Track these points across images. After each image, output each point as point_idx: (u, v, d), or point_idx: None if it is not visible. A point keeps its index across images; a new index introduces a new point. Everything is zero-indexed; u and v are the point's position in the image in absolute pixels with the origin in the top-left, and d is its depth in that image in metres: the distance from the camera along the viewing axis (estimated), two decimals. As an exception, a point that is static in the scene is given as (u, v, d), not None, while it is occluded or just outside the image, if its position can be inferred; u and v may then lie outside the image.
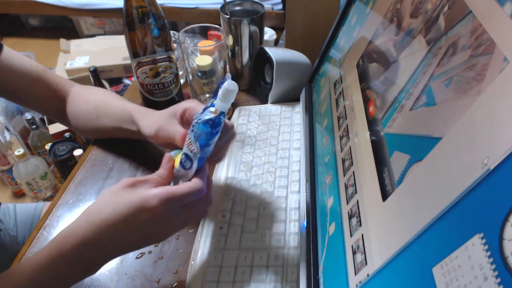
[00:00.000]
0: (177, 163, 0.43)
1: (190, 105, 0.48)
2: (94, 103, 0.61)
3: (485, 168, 0.22)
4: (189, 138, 0.41)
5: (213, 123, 0.39)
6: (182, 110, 0.48)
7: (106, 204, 0.39)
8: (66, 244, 0.38)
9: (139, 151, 0.65)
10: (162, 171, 0.43)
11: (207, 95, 0.71)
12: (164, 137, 0.50)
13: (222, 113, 0.40)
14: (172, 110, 0.50)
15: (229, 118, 0.72)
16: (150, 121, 0.52)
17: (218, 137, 0.41)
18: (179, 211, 0.40)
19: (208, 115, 0.40)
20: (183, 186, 0.40)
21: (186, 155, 0.42)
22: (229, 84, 0.39)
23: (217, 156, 0.48)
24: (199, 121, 0.40)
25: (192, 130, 0.40)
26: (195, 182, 0.40)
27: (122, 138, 0.63)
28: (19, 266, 0.39)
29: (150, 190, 0.39)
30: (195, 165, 0.41)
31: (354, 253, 0.35)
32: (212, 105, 0.41)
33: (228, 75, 0.42)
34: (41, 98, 0.62)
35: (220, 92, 0.39)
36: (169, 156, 0.44)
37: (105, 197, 0.40)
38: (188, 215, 0.41)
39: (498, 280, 0.19)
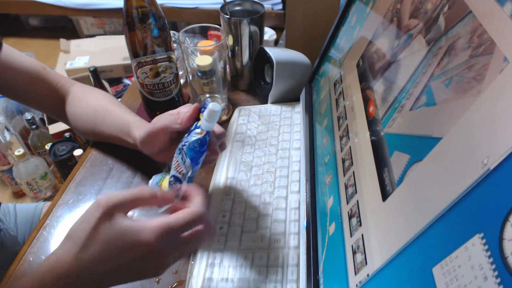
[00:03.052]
0: (165, 186, 0.44)
1: (184, 109, 0.47)
2: (94, 108, 0.61)
3: (485, 168, 0.22)
4: (177, 161, 0.44)
5: (201, 143, 0.42)
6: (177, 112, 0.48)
7: (92, 239, 0.34)
8: (45, 280, 0.34)
9: (139, 151, 0.65)
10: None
11: (207, 95, 0.71)
12: (161, 127, 0.47)
13: (207, 132, 0.42)
14: (169, 117, 0.48)
15: (229, 118, 0.72)
16: (144, 126, 0.51)
17: (205, 155, 0.43)
18: (177, 244, 0.36)
19: (195, 136, 0.42)
20: (182, 214, 0.35)
21: (174, 176, 0.43)
22: (213, 105, 0.41)
23: (205, 164, 0.48)
24: (187, 143, 0.42)
25: (180, 153, 0.43)
26: (194, 209, 0.36)
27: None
28: None
29: (144, 223, 0.34)
30: (184, 185, 0.43)
31: (354, 253, 0.35)
32: (197, 127, 0.43)
33: (208, 99, 0.44)
34: (40, 96, 0.62)
35: (205, 113, 0.42)
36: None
37: (89, 226, 0.34)
38: (186, 249, 0.37)
39: (498, 280, 0.19)
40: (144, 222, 0.34)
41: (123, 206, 0.35)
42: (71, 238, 0.35)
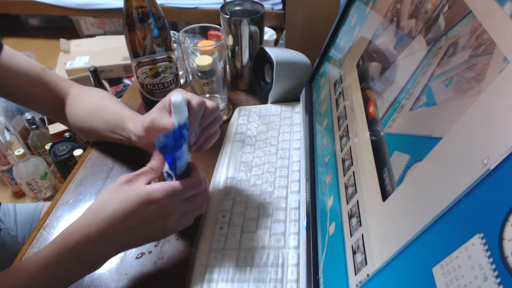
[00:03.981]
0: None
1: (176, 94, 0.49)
2: (91, 107, 0.61)
3: (485, 168, 0.22)
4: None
5: (173, 137, 0.41)
6: (168, 103, 0.48)
7: (110, 200, 0.41)
8: (70, 241, 0.39)
9: (139, 151, 0.65)
10: (154, 162, 0.45)
11: (207, 95, 0.71)
12: (157, 131, 0.48)
13: (180, 126, 0.41)
14: (160, 104, 0.49)
15: (229, 119, 0.72)
16: (139, 121, 0.51)
17: (185, 147, 0.42)
18: (180, 204, 0.42)
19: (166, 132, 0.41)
20: (184, 181, 0.42)
21: (167, 172, 0.44)
22: (174, 97, 0.41)
23: (208, 140, 0.50)
24: (158, 137, 0.41)
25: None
26: (193, 178, 0.43)
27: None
28: (24, 262, 0.40)
29: (153, 185, 0.41)
30: (173, 176, 0.44)
31: (354, 253, 0.35)
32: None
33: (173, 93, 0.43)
34: (40, 98, 0.62)
35: (171, 107, 0.42)
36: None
37: (107, 194, 0.42)
38: (188, 209, 0.44)
39: (498, 280, 0.19)
40: (153, 184, 0.41)
41: (141, 175, 0.43)
42: (92, 205, 0.42)
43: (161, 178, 0.46)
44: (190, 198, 0.43)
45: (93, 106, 0.61)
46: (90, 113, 0.61)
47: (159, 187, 0.40)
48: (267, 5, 1.85)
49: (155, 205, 0.40)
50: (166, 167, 0.45)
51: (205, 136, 0.49)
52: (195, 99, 0.45)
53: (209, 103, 0.48)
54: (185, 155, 0.42)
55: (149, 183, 0.43)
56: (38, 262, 0.39)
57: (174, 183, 0.41)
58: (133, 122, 0.53)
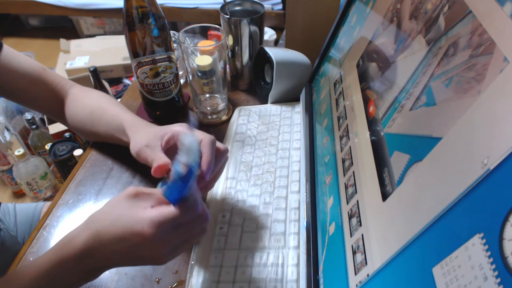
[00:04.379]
0: None
1: (178, 130, 0.48)
2: (90, 108, 0.61)
3: (485, 168, 0.22)
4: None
5: (184, 178, 0.37)
6: (169, 136, 0.48)
7: (108, 213, 0.39)
8: (66, 251, 0.38)
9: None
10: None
11: (207, 95, 0.71)
12: (142, 160, 0.49)
13: (192, 166, 0.37)
14: (161, 132, 0.49)
15: (229, 118, 0.72)
16: (136, 140, 0.51)
17: (194, 182, 0.38)
18: (174, 234, 0.38)
19: (178, 170, 0.37)
20: (176, 208, 0.37)
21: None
22: (188, 141, 0.37)
23: (210, 183, 0.49)
24: (169, 182, 0.38)
25: (165, 183, 0.39)
26: (188, 201, 0.38)
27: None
28: (18, 271, 0.39)
29: (145, 212, 0.37)
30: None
31: (354, 253, 0.35)
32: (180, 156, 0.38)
33: (193, 117, 0.39)
34: (40, 98, 0.62)
35: (182, 149, 0.37)
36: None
37: (109, 205, 0.40)
38: (185, 237, 0.39)
39: (498, 280, 0.19)
40: (142, 213, 0.37)
41: (149, 195, 0.39)
42: (93, 213, 0.40)
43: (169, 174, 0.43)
44: (186, 225, 0.39)
45: (92, 108, 0.61)
46: (89, 115, 0.61)
47: (149, 217, 0.36)
48: (267, 5, 1.85)
49: (141, 237, 0.36)
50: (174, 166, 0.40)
51: (212, 176, 0.48)
52: (206, 138, 0.45)
53: (221, 145, 0.47)
54: (193, 188, 0.39)
55: (157, 205, 0.39)
56: (33, 271, 0.38)
57: (165, 211, 0.37)
58: (131, 131, 0.53)
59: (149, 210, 0.37)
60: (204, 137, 0.45)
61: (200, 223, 0.40)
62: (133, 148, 0.51)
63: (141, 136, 0.51)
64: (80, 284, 0.41)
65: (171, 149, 0.48)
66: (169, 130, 0.48)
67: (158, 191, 0.40)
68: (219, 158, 0.47)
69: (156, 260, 0.39)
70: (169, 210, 0.37)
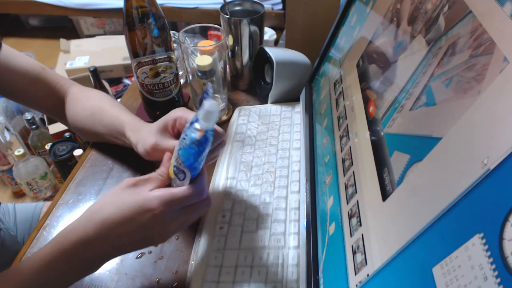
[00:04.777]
0: (172, 173, 0.43)
1: (178, 114, 0.48)
2: (90, 109, 0.61)
3: (485, 168, 0.22)
4: (177, 152, 0.40)
5: (199, 143, 0.38)
6: (173, 121, 0.48)
7: (108, 203, 0.40)
8: (67, 242, 0.39)
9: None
10: (163, 169, 0.43)
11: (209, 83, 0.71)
12: (156, 157, 0.49)
13: (207, 131, 0.38)
14: (162, 123, 0.49)
15: (229, 118, 0.72)
16: (143, 139, 0.51)
17: (208, 150, 0.40)
18: (179, 213, 0.40)
19: (194, 134, 0.38)
20: (184, 189, 0.40)
21: (176, 167, 0.41)
22: (210, 106, 0.37)
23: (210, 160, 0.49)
24: (185, 142, 0.38)
25: (180, 148, 0.39)
26: (196, 186, 0.41)
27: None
28: (20, 264, 0.40)
29: (153, 192, 0.39)
30: (188, 176, 0.41)
31: (354, 253, 0.35)
32: (197, 121, 0.39)
33: (209, 85, 0.40)
34: (40, 97, 0.62)
35: (201, 112, 0.38)
36: (169, 155, 0.44)
37: (108, 196, 0.41)
38: (187, 217, 0.42)
39: (498, 280, 0.19)
40: (155, 191, 0.39)
41: (147, 180, 0.41)
42: (91, 206, 0.41)
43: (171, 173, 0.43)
44: (191, 206, 0.41)
45: (92, 108, 0.61)
46: (89, 115, 0.61)
47: (159, 195, 0.39)
48: (267, 5, 1.85)
49: (152, 214, 0.38)
50: (174, 161, 0.41)
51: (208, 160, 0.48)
52: (216, 127, 0.45)
53: (217, 128, 0.47)
54: (205, 157, 0.40)
55: (156, 188, 0.41)
56: (35, 263, 0.39)
57: (175, 191, 0.40)
58: (133, 133, 0.53)
59: (156, 190, 0.40)
60: None
61: (204, 207, 0.43)
62: (143, 148, 0.50)
63: (146, 135, 0.51)
64: (81, 276, 0.41)
65: (177, 137, 0.49)
66: (170, 117, 0.49)
67: (154, 174, 0.42)
68: (216, 139, 0.47)
69: (161, 238, 0.42)
70: (180, 190, 0.40)
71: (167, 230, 0.41)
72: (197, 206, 0.42)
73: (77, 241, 0.38)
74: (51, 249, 0.39)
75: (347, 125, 0.46)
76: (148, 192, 0.39)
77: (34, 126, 1.44)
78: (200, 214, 0.44)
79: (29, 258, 0.40)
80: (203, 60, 0.64)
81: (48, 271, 0.38)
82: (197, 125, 0.38)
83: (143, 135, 0.51)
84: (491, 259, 0.19)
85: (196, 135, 0.38)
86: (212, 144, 0.44)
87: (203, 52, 0.64)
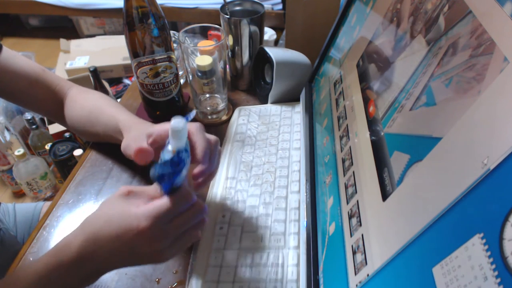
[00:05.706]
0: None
1: (166, 128, 0.44)
2: (88, 109, 0.61)
3: (485, 168, 0.22)
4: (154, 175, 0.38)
5: (173, 163, 0.36)
6: (157, 134, 0.45)
7: (100, 216, 0.38)
8: (63, 256, 0.38)
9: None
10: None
11: (207, 95, 0.71)
12: (128, 155, 0.48)
13: (179, 151, 0.37)
14: (149, 129, 0.46)
15: (229, 118, 0.72)
16: (126, 138, 0.50)
17: (185, 171, 0.38)
18: (170, 227, 0.37)
19: (167, 155, 0.37)
20: (166, 198, 0.37)
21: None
22: (174, 123, 0.36)
23: (211, 174, 0.47)
24: (159, 164, 0.37)
25: (156, 171, 0.37)
26: (181, 191, 0.38)
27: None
28: (16, 275, 0.39)
29: (139, 208, 0.37)
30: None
31: (354, 253, 0.35)
32: (169, 141, 0.38)
33: (193, 112, 0.39)
34: (39, 99, 0.62)
35: (169, 131, 0.37)
36: None
37: (102, 206, 0.39)
38: (182, 229, 0.39)
39: (498, 280, 0.19)
40: (136, 209, 0.37)
41: (143, 192, 0.39)
42: (88, 216, 0.39)
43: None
44: (182, 216, 0.38)
45: (90, 108, 0.61)
46: (87, 116, 0.61)
47: (142, 211, 0.36)
48: (267, 5, 1.85)
49: (136, 231, 0.36)
50: (165, 155, 0.39)
51: (207, 174, 0.46)
52: (192, 127, 0.43)
53: (210, 136, 0.45)
54: (183, 177, 0.38)
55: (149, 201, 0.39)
56: (30, 275, 0.38)
57: (157, 203, 0.37)
58: (126, 131, 0.53)
59: (142, 206, 0.37)
60: (190, 126, 0.43)
61: (196, 214, 0.39)
62: (122, 145, 0.51)
63: (131, 134, 0.50)
64: (81, 287, 0.40)
65: (160, 149, 0.45)
66: (158, 128, 0.46)
67: (151, 188, 0.39)
68: (213, 151, 0.45)
69: (155, 257, 0.38)
70: (162, 201, 0.37)
71: (157, 247, 0.37)
72: (189, 215, 0.38)
73: (72, 254, 0.37)
74: (47, 261, 0.38)
75: (347, 125, 0.46)
76: (134, 209, 0.37)
77: (34, 126, 1.44)
78: (196, 224, 0.40)
79: (25, 269, 0.39)
80: (203, 60, 0.64)
81: (44, 284, 0.38)
82: (169, 146, 0.37)
83: (130, 134, 0.51)
84: (491, 259, 0.19)
85: (168, 156, 0.36)
86: (214, 155, 0.43)
87: (203, 52, 0.64)
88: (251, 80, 0.78)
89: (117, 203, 0.38)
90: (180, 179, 0.37)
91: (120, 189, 0.39)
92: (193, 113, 0.39)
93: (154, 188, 0.39)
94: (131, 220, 0.36)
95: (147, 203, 0.37)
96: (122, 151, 0.51)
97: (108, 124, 0.58)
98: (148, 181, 0.61)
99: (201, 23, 0.69)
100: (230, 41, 0.72)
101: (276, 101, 0.73)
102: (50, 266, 0.38)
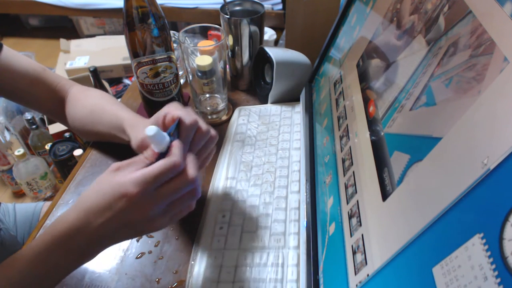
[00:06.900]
0: None
1: (167, 110, 0.47)
2: (90, 108, 0.61)
3: (485, 168, 0.22)
4: None
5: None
6: (163, 118, 0.46)
7: (92, 191, 0.39)
8: (57, 230, 0.39)
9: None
10: (150, 152, 0.41)
11: (207, 95, 0.71)
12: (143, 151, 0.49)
13: (161, 154, 0.40)
14: (154, 120, 0.48)
15: (229, 118, 0.72)
16: (135, 136, 0.51)
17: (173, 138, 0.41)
18: (160, 193, 0.38)
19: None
20: (156, 164, 0.37)
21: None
22: (148, 131, 0.38)
23: (202, 161, 0.47)
24: None
25: None
26: (169, 157, 0.38)
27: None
28: (15, 256, 0.40)
29: (128, 175, 0.37)
30: None
31: (354, 253, 0.35)
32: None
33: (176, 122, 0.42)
34: (40, 98, 0.62)
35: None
36: None
37: (94, 183, 0.40)
38: (172, 196, 0.39)
39: (498, 280, 0.19)
40: (127, 175, 0.37)
41: (131, 163, 0.39)
42: (82, 193, 0.40)
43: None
44: (170, 184, 0.38)
45: (92, 107, 0.61)
46: (89, 114, 0.61)
47: (129, 178, 0.37)
48: (267, 5, 1.85)
49: (126, 198, 0.36)
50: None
51: (200, 159, 0.46)
52: (188, 118, 0.43)
53: (203, 125, 0.45)
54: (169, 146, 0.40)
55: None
56: (28, 253, 0.39)
57: (146, 170, 0.37)
58: (131, 129, 0.53)
59: (129, 174, 0.38)
60: (185, 116, 0.43)
61: (184, 181, 0.39)
62: (134, 143, 0.50)
63: (139, 132, 0.50)
64: (77, 265, 0.41)
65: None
66: (161, 114, 0.47)
67: (139, 158, 0.40)
68: (197, 140, 0.45)
69: (148, 225, 0.39)
70: (149, 168, 0.37)
71: (149, 214, 0.38)
72: (177, 182, 0.38)
73: (66, 229, 0.38)
74: (43, 238, 0.39)
75: (347, 125, 0.46)
76: (123, 177, 0.38)
77: (34, 126, 1.44)
78: (187, 195, 0.40)
79: (23, 249, 0.40)
80: (203, 60, 0.64)
81: (42, 261, 0.39)
82: (155, 149, 0.40)
83: (138, 130, 0.51)
84: (491, 259, 0.19)
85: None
86: (201, 142, 0.44)
87: (203, 52, 0.64)
88: (251, 80, 0.78)
89: (107, 177, 0.39)
90: (165, 145, 0.39)
91: (111, 166, 0.40)
92: (174, 125, 0.42)
93: (144, 156, 0.40)
94: (119, 188, 0.37)
95: (135, 171, 0.38)
96: (134, 148, 0.50)
97: (111, 123, 0.58)
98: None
99: (201, 23, 0.69)
100: (230, 41, 0.72)
101: (276, 101, 0.73)
102: (46, 241, 0.39)
